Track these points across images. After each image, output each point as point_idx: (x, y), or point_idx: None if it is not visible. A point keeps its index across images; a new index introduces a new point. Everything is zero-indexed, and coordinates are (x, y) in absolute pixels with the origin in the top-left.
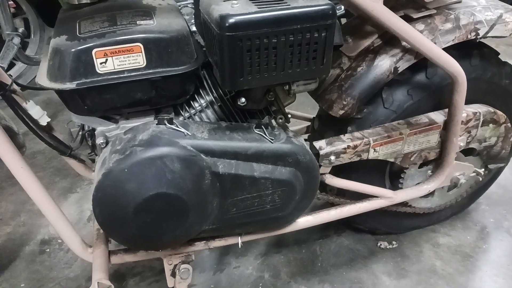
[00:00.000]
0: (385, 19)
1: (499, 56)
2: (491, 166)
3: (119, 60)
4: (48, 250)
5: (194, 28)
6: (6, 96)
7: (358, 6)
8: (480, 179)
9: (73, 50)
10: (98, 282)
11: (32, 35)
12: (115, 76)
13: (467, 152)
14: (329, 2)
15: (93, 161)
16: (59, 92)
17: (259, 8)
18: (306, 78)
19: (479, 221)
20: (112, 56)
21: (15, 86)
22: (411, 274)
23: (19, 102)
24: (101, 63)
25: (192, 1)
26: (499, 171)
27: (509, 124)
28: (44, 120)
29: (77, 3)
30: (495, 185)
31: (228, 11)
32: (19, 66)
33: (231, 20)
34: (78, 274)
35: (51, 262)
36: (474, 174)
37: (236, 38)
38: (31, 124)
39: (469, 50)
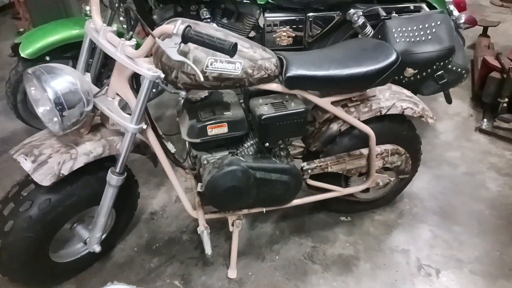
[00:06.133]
0: (328, 108)
1: (405, 116)
2: (401, 177)
3: (217, 130)
4: (155, 218)
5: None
6: (159, 140)
7: (314, 102)
8: (392, 184)
9: (199, 126)
10: (203, 225)
11: None
12: (215, 137)
13: (386, 168)
14: (306, 107)
15: (191, 169)
16: (192, 142)
17: (275, 110)
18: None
19: (400, 207)
20: (214, 128)
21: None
22: (356, 234)
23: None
24: (210, 130)
25: None
26: (410, 179)
27: (407, 155)
28: (172, 150)
29: (194, 100)
30: (415, 187)
31: (262, 112)
32: None
33: (264, 117)
34: (175, 230)
35: (159, 224)
36: (388, 181)
37: (266, 124)
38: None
39: (384, 117)
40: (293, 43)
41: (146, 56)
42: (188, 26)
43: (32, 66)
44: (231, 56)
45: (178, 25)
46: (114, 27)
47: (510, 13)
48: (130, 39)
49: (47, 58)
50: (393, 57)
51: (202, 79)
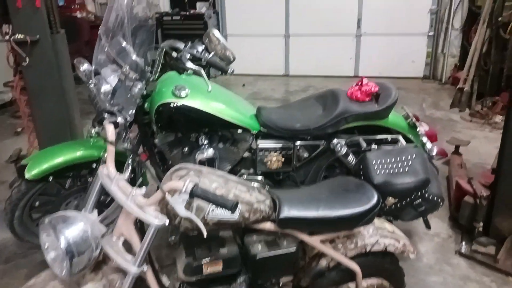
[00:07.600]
0: (317, 246)
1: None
2: None
3: (212, 268)
4: None
5: None
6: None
7: (305, 240)
8: None
9: (194, 265)
10: None
11: None
12: (210, 276)
13: None
14: (297, 246)
15: None
16: (185, 281)
17: (269, 249)
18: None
19: None
20: (209, 267)
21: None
22: None
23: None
24: (205, 269)
25: None
26: None
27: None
28: (166, 283)
29: (191, 235)
30: None
31: (257, 251)
32: None
33: (258, 257)
34: None
35: None
36: None
37: (260, 264)
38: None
39: (369, 253)
40: (282, 166)
41: None
42: (196, 184)
43: (35, 186)
44: (233, 212)
45: (187, 184)
46: (126, 175)
47: (479, 130)
48: (140, 186)
49: (50, 179)
50: (375, 199)
51: (205, 234)
